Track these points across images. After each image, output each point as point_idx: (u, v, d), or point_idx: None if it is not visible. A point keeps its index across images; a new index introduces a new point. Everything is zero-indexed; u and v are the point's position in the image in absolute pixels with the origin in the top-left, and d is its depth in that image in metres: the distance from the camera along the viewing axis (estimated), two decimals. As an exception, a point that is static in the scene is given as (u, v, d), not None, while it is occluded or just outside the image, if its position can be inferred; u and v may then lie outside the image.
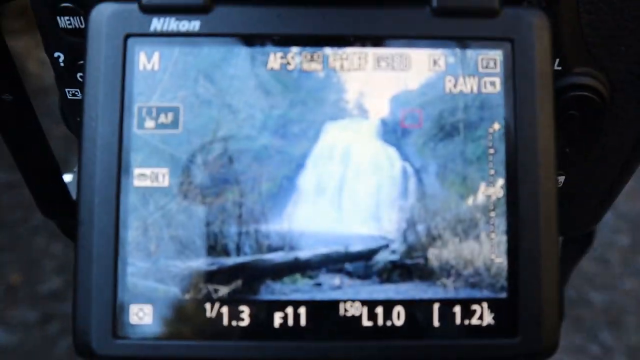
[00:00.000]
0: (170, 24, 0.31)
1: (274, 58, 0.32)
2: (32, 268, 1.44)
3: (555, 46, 0.35)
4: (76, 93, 0.37)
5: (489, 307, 0.32)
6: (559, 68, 0.36)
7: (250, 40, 0.32)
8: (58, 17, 0.34)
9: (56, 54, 0.36)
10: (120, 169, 0.31)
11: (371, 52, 0.32)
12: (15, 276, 1.43)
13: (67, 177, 0.42)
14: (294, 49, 0.32)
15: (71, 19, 0.34)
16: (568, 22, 0.35)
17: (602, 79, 0.37)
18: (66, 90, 0.37)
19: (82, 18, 0.34)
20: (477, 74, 0.32)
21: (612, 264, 1.58)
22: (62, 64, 0.36)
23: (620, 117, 0.38)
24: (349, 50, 0.32)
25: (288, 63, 0.32)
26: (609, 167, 0.41)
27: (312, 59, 0.32)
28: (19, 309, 1.36)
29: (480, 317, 0.32)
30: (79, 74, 0.35)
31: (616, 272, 1.56)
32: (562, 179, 0.41)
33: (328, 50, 0.32)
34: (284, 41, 0.32)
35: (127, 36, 0.31)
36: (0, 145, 0.42)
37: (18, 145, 0.40)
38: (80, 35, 0.33)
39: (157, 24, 0.31)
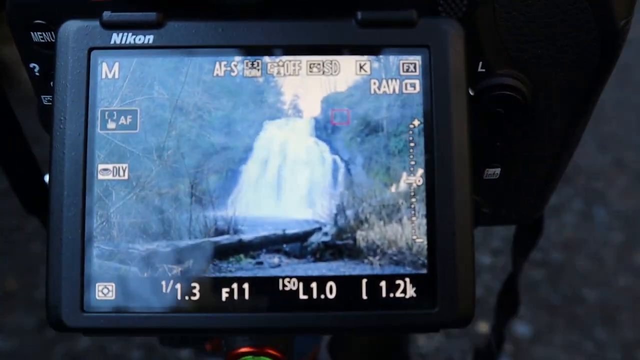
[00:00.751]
0: (127, 38, 0.35)
1: (219, 66, 0.35)
2: (28, 274, 1.45)
3: (477, 50, 0.38)
4: (50, 99, 0.39)
5: (411, 281, 0.35)
6: (483, 70, 0.39)
7: (198, 51, 0.35)
8: (32, 33, 0.37)
9: (31, 65, 0.38)
10: (85, 164, 0.35)
11: (304, 59, 0.36)
12: (11, 282, 1.45)
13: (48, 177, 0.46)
14: (237, 58, 0.35)
15: (43, 34, 0.37)
16: (486, 29, 0.38)
17: (524, 78, 0.39)
18: (42, 97, 0.40)
19: (53, 33, 0.37)
20: (399, 77, 0.36)
21: (606, 261, 1.58)
22: (37, 74, 0.39)
23: (545, 113, 0.41)
24: (285, 58, 0.36)
25: (232, 70, 0.35)
26: (542, 159, 0.44)
27: (252, 67, 0.36)
28: (15, 314, 1.38)
29: (404, 291, 0.35)
30: (52, 82, 0.38)
31: (610, 269, 1.56)
32: (498, 170, 0.44)
33: (267, 59, 0.36)
34: (227, 52, 0.35)
35: (91, 49, 0.35)
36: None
37: (2, 149, 0.43)
38: (52, 48, 0.36)
39: (117, 38, 0.35)
